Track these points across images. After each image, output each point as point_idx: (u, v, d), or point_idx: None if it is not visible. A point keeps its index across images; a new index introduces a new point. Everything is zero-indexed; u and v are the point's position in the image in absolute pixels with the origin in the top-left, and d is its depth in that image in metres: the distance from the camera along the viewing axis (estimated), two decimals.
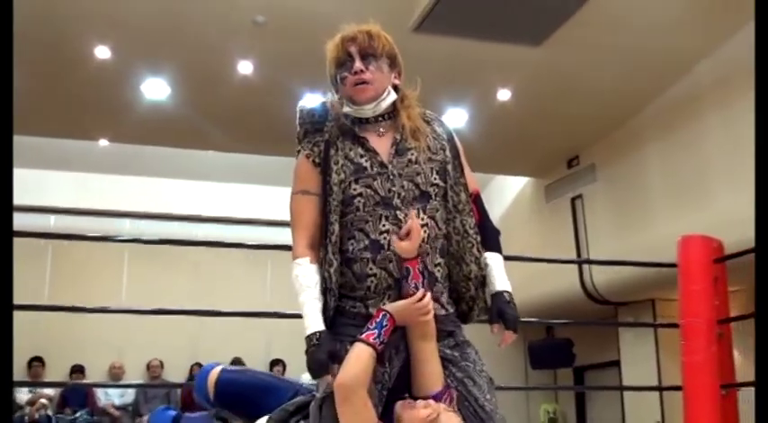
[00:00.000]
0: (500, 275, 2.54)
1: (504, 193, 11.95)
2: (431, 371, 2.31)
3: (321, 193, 2.40)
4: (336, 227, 2.36)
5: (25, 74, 7.90)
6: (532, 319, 9.91)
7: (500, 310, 2.49)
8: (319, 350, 2.23)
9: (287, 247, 4.51)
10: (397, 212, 2.36)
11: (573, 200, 10.49)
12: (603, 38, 7.59)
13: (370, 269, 2.34)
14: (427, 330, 2.31)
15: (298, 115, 2.54)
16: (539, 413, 11.92)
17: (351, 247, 2.36)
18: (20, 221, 10.51)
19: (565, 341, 11.45)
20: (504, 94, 8.64)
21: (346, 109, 2.46)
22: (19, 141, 10.34)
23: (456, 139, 2.60)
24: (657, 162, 9.16)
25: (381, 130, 2.47)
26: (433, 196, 2.43)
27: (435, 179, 2.44)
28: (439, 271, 2.42)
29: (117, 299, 10.10)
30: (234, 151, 10.20)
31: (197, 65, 7.86)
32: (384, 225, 2.34)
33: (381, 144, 2.45)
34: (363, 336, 2.18)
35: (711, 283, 4.47)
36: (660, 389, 9.20)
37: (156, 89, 8.22)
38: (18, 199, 11.12)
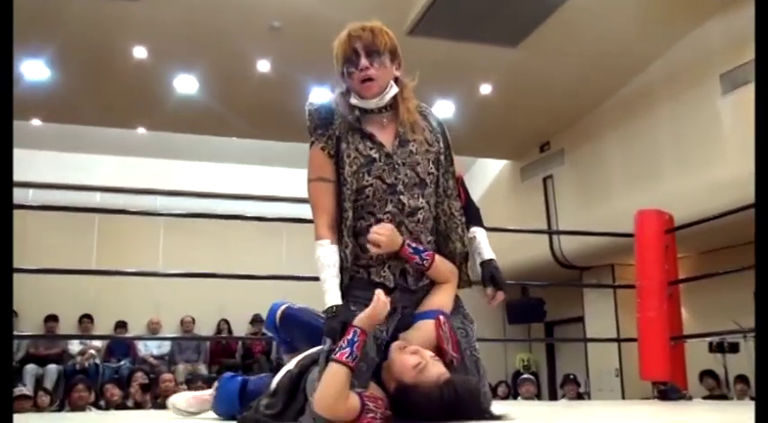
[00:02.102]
0: (486, 246, 2.54)
1: (486, 174, 11.94)
2: (442, 301, 2.34)
3: (336, 181, 2.37)
4: (350, 213, 2.35)
5: (74, 72, 7.90)
6: (510, 282, 9.99)
7: (492, 275, 2.49)
8: (335, 320, 2.21)
9: (300, 221, 4.50)
10: (401, 197, 2.36)
11: (544, 179, 10.49)
12: (570, 41, 7.59)
13: None
14: (449, 278, 2.40)
15: (307, 112, 2.47)
16: (515, 361, 11.98)
17: (359, 224, 2.36)
18: (71, 198, 10.57)
19: (537, 300, 11.49)
20: (485, 89, 8.62)
21: (353, 100, 2.41)
22: (69, 129, 10.36)
23: (446, 130, 2.57)
24: (616, 147, 9.15)
25: (384, 120, 2.43)
26: (429, 183, 2.42)
27: (431, 168, 2.42)
28: (431, 247, 2.42)
29: (154, 264, 10.10)
30: (253, 137, 10.19)
31: (222, 63, 7.83)
32: (388, 207, 2.35)
33: (386, 136, 2.41)
34: (337, 356, 2.07)
35: (663, 250, 4.48)
36: (618, 340, 9.23)
37: (186, 84, 8.19)
38: (69, 179, 11.12)
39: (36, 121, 9.53)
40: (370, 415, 2.03)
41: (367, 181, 2.35)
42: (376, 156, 2.37)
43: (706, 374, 8.19)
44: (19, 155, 11.01)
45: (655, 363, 4.32)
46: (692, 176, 7.77)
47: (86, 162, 10.68)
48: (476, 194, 13.35)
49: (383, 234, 2.29)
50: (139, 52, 7.48)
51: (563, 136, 10.05)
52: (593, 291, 10.34)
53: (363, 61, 2.37)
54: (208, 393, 2.91)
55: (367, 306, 2.20)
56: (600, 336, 9.73)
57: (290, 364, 2.45)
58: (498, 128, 9.66)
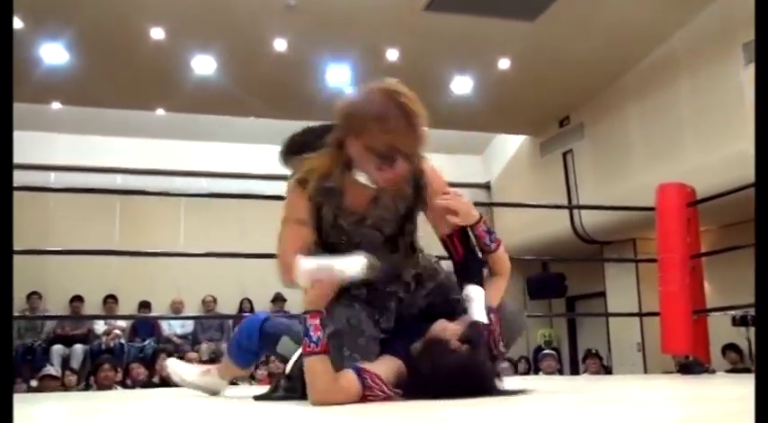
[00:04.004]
0: (478, 309, 2.24)
1: (505, 150, 11.90)
2: (491, 296, 2.30)
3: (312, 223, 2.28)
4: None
5: (92, 54, 7.93)
6: (530, 257, 9.96)
7: (469, 337, 2.21)
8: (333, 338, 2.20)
9: None
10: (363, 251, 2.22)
11: (564, 155, 10.43)
12: (588, 13, 7.51)
13: None
14: (504, 271, 2.37)
15: (289, 144, 2.41)
16: (536, 337, 11.98)
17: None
18: (91, 180, 10.63)
19: (558, 275, 11.46)
20: (503, 64, 8.55)
21: (361, 178, 2.17)
22: (89, 112, 10.40)
23: (425, 187, 2.32)
24: (637, 120, 9.08)
25: (370, 187, 2.22)
26: (395, 241, 2.35)
27: (395, 230, 2.33)
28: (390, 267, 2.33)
29: (175, 245, 10.17)
30: (271, 117, 10.19)
31: (239, 43, 7.82)
32: (343, 238, 2.31)
33: (364, 198, 2.27)
34: (304, 350, 2.06)
35: (685, 223, 4.45)
36: (640, 315, 9.20)
37: (204, 65, 8.18)
38: (90, 161, 11.19)
39: (56, 105, 9.59)
40: (372, 390, 2.03)
41: (336, 237, 2.30)
42: (347, 222, 2.29)
43: (729, 348, 8.15)
44: (39, 138, 11.13)
45: (677, 337, 4.30)
46: (714, 149, 7.69)
47: (106, 144, 10.74)
48: (495, 171, 13.33)
49: (464, 204, 2.25)
50: (157, 33, 7.49)
51: (582, 110, 9.98)
52: (615, 265, 10.31)
53: (400, 166, 2.11)
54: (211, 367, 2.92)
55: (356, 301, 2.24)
56: (621, 310, 9.70)
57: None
58: (517, 103, 9.60)
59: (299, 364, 2.40)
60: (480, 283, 2.29)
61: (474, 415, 1.67)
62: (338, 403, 1.98)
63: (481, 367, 2.12)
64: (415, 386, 2.07)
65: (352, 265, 2.08)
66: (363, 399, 2.01)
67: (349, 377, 2.03)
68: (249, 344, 2.68)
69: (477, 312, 2.22)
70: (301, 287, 2.13)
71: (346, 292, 2.30)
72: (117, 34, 7.48)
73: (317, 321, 2.06)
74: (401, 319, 2.38)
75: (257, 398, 2.43)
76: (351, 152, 2.12)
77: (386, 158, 2.06)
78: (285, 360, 2.52)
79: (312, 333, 2.04)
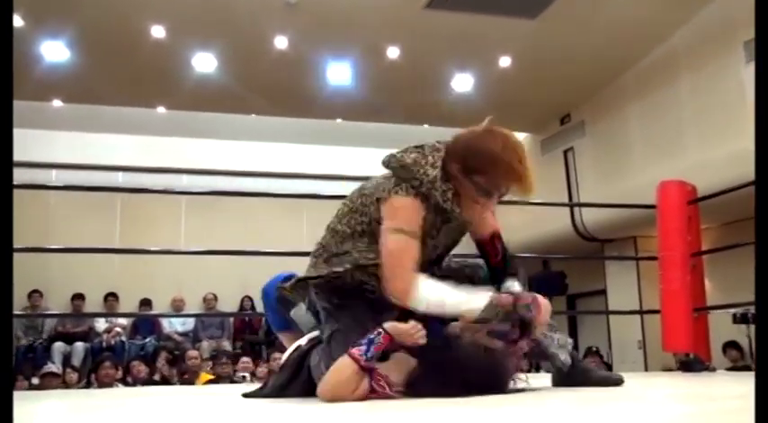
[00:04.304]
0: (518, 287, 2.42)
1: None
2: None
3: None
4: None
5: (93, 52, 7.93)
6: (532, 255, 9.96)
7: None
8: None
9: (319, 197, 4.51)
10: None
11: (565, 152, 10.42)
12: (590, 10, 7.50)
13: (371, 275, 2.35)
14: None
15: (421, 174, 2.24)
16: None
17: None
18: (92, 178, 10.64)
19: (559, 273, 11.46)
20: (504, 61, 8.55)
21: (447, 205, 2.25)
22: (90, 109, 10.41)
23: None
24: (638, 118, 9.08)
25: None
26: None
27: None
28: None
29: (177, 242, 10.17)
30: (272, 114, 10.20)
31: (239, 41, 7.83)
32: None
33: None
34: (353, 350, 2.07)
35: (686, 221, 4.45)
36: (641, 312, 9.21)
37: (204, 63, 8.18)
38: (91, 159, 11.18)
39: (57, 102, 9.59)
40: (377, 393, 2.05)
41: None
42: (432, 234, 2.34)
43: (729, 346, 8.15)
44: (40, 135, 11.12)
45: (678, 334, 4.30)
46: (715, 147, 7.69)
47: (107, 142, 10.74)
48: None
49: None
50: (157, 31, 7.49)
51: (583, 108, 9.97)
52: (616, 263, 10.30)
53: (494, 202, 2.29)
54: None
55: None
56: (622, 308, 9.70)
57: (303, 340, 2.47)
58: (518, 101, 9.60)
59: (292, 357, 2.41)
60: (515, 275, 2.44)
61: (474, 413, 1.67)
62: (342, 401, 2.00)
63: (507, 365, 2.15)
64: (430, 380, 2.08)
65: (478, 304, 2.13)
66: (366, 398, 2.03)
67: (363, 386, 2.05)
68: (269, 303, 2.68)
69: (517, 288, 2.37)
70: (413, 308, 2.16)
71: (355, 290, 2.31)
72: (118, 32, 7.48)
73: (385, 344, 2.08)
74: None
75: (246, 395, 2.44)
76: (458, 184, 2.24)
77: (491, 194, 2.23)
78: (286, 327, 2.53)
79: (372, 349, 2.06)
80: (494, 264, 2.47)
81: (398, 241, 2.21)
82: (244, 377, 7.54)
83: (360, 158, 10.55)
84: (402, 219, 2.23)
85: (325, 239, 2.46)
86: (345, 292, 2.34)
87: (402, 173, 2.26)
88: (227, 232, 10.10)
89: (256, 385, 2.94)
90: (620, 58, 8.67)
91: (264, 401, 2.28)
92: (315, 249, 2.48)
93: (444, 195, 2.23)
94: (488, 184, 2.21)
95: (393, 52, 7.92)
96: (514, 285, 2.39)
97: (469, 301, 2.15)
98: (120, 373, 7.64)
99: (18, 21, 6.93)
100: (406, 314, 2.31)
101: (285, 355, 2.48)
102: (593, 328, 11.40)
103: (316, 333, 2.46)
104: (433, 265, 2.40)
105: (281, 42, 7.83)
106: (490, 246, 2.46)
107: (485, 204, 2.27)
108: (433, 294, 2.15)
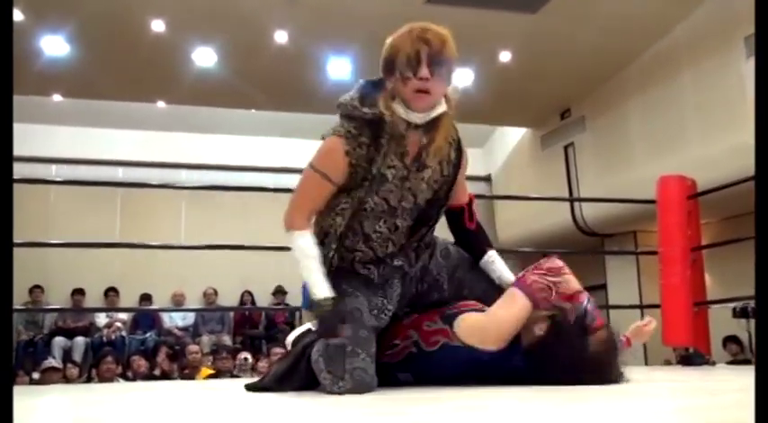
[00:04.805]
0: (506, 269, 2.52)
1: (506, 143, 11.89)
2: None
3: (338, 186, 2.27)
4: (343, 221, 2.29)
5: (93, 46, 7.92)
6: (531, 249, 9.97)
7: None
8: (331, 314, 2.21)
9: None
10: (396, 220, 2.31)
11: (565, 147, 10.42)
12: (590, 6, 7.50)
13: (358, 246, 2.33)
14: None
15: (350, 105, 2.26)
16: None
17: (346, 232, 2.32)
18: (92, 173, 10.63)
19: None
20: (505, 56, 8.54)
21: (398, 108, 2.21)
22: (90, 104, 10.39)
23: (463, 161, 2.42)
24: (638, 113, 9.07)
25: (413, 137, 2.26)
26: (426, 209, 2.37)
27: (429, 196, 2.36)
28: (413, 243, 2.42)
29: (177, 237, 10.18)
30: (272, 109, 10.19)
31: (240, 35, 7.81)
32: (380, 227, 2.31)
33: (409, 156, 2.29)
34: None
35: (686, 216, 4.45)
36: (641, 307, 9.19)
37: (205, 57, 8.17)
38: (91, 154, 11.17)
39: (57, 97, 9.59)
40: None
41: (372, 199, 2.28)
42: (390, 176, 2.27)
43: (729, 340, 8.17)
44: (40, 130, 11.11)
45: (678, 329, 4.31)
46: (715, 141, 7.68)
47: (107, 136, 10.74)
48: (496, 164, 13.31)
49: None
50: (157, 26, 7.48)
51: (584, 103, 9.97)
52: (616, 258, 10.32)
53: (424, 71, 2.16)
54: None
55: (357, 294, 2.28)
56: (622, 302, 9.69)
57: (313, 325, 2.47)
58: (518, 96, 9.59)
59: (297, 348, 2.41)
60: (491, 244, 2.54)
61: (473, 407, 1.67)
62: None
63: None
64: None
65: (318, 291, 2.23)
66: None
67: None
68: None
69: (506, 271, 2.48)
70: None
71: (353, 273, 2.32)
72: (118, 26, 7.47)
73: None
74: (404, 297, 2.41)
75: (248, 387, 2.44)
76: (389, 87, 2.23)
77: (410, 66, 2.15)
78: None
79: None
80: (468, 228, 2.51)
81: (306, 176, 2.28)
82: (245, 360, 7.63)
83: None
84: (318, 157, 2.28)
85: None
86: (343, 279, 2.35)
87: (340, 111, 2.32)
88: (228, 227, 10.10)
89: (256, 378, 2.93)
90: (620, 52, 8.66)
91: (265, 396, 2.29)
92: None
93: (368, 104, 2.24)
94: (394, 56, 2.19)
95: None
96: (494, 258, 2.51)
97: (313, 283, 2.23)
98: (120, 369, 7.66)
99: (18, 15, 6.93)
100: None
101: (293, 335, 2.48)
102: None
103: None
104: (420, 229, 2.37)
105: (281, 37, 7.82)
106: (467, 210, 2.49)
107: (413, 83, 2.17)
108: (297, 250, 2.25)
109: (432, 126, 2.25)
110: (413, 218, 2.34)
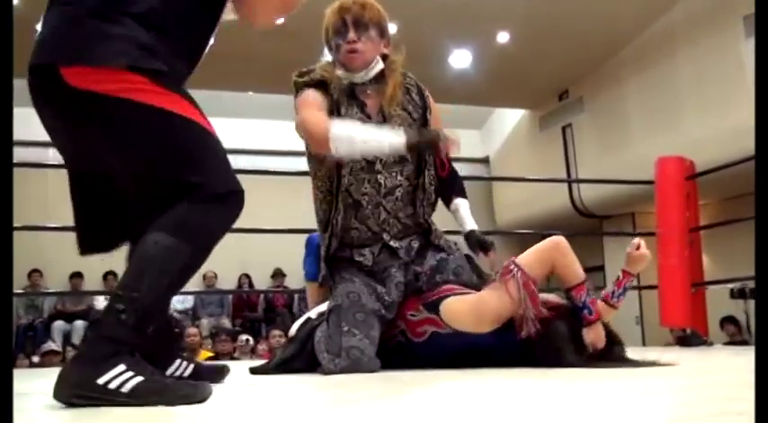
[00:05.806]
0: (469, 218, 2.58)
1: (504, 124, 11.86)
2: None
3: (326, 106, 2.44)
4: (345, 180, 2.36)
5: None
6: (530, 231, 9.98)
7: (480, 242, 2.55)
8: (421, 134, 2.25)
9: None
10: (378, 176, 2.37)
11: (563, 129, 10.40)
12: None
13: (352, 223, 2.35)
14: None
15: (298, 74, 2.55)
16: None
17: (341, 205, 2.38)
18: None
19: None
20: (502, 37, 8.51)
21: (339, 72, 2.45)
22: None
23: (430, 103, 2.54)
24: (636, 94, 9.05)
25: (368, 91, 2.46)
26: (410, 160, 2.44)
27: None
28: (410, 219, 2.47)
29: None
30: (271, 92, 10.16)
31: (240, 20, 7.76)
32: (366, 188, 2.36)
33: (372, 110, 2.45)
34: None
35: (684, 197, 4.45)
36: (639, 288, 9.21)
37: None
38: None
39: None
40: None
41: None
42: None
43: (727, 321, 8.19)
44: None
45: (675, 310, 4.32)
46: (713, 122, 7.67)
47: None
48: (494, 146, 13.24)
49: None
50: None
51: (582, 84, 9.94)
52: (614, 239, 10.32)
53: (351, 34, 2.41)
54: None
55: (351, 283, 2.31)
56: None
57: (313, 313, 2.48)
58: (516, 77, 9.56)
59: (302, 331, 2.42)
60: (464, 194, 2.61)
61: (469, 387, 1.68)
62: None
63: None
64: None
65: (393, 137, 2.21)
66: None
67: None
68: (312, 250, 2.74)
69: (469, 221, 2.56)
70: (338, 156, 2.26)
71: (351, 261, 2.33)
72: None
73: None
74: (407, 287, 2.41)
75: (253, 370, 2.45)
76: (333, 58, 2.50)
77: (339, 34, 2.43)
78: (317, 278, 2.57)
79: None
80: (440, 175, 2.56)
81: (301, 115, 2.38)
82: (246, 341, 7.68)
83: None
84: (301, 103, 2.44)
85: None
86: (342, 268, 2.36)
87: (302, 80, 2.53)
88: None
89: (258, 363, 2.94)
90: (618, 32, 8.63)
91: (268, 379, 2.29)
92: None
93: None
94: (326, 31, 2.51)
95: (391, 28, 7.83)
96: (459, 206, 2.58)
97: (384, 138, 2.21)
98: None
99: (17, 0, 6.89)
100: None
101: (294, 328, 2.49)
102: None
103: (323, 307, 2.46)
104: (403, 164, 2.43)
105: (279, 18, 7.77)
106: (439, 160, 2.53)
107: (344, 47, 2.44)
108: (345, 136, 2.21)
109: (379, 80, 2.45)
110: (397, 173, 2.40)
